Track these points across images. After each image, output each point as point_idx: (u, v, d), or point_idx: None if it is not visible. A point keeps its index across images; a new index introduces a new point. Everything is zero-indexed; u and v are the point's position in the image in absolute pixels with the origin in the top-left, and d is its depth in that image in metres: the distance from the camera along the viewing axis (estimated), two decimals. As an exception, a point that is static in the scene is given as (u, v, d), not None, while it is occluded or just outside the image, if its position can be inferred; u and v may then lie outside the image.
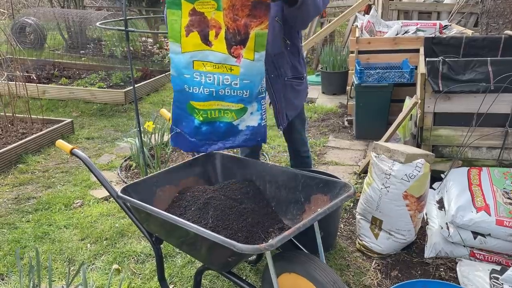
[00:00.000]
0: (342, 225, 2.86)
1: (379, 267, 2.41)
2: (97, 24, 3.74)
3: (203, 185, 2.22)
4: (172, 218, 1.64)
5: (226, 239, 1.45)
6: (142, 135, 3.64)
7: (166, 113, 2.57)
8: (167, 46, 8.81)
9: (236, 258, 1.62)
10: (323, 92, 5.93)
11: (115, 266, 2.08)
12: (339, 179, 2.10)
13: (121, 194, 1.89)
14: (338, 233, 2.74)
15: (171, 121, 2.20)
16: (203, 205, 1.98)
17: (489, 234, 2.37)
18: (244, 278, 2.29)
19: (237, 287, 2.04)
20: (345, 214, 2.97)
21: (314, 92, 5.99)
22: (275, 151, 4.08)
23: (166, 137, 3.77)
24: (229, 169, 2.29)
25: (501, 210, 2.39)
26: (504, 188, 2.53)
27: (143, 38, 9.44)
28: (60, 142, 2.16)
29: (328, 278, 1.64)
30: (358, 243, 2.60)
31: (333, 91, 5.80)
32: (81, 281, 1.65)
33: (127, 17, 3.03)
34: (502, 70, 2.70)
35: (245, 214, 1.93)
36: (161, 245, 2.03)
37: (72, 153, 2.08)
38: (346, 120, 4.79)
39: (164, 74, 6.51)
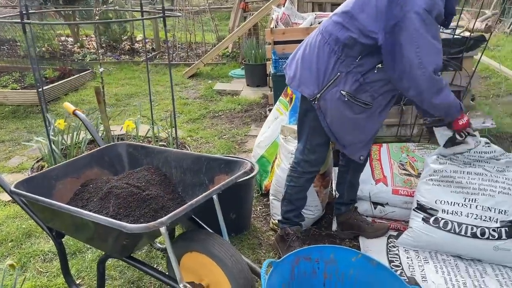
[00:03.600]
0: (259, 208, 2.94)
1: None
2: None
3: (108, 176, 2.19)
4: (60, 205, 1.61)
5: (114, 220, 1.46)
6: (57, 134, 3.51)
7: (70, 106, 2.50)
8: (88, 44, 8.50)
9: (131, 241, 1.62)
10: (247, 85, 6.03)
11: (8, 262, 1.99)
12: (244, 158, 2.17)
13: (14, 189, 1.82)
14: (254, 215, 2.82)
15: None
16: (105, 194, 1.95)
17: (387, 203, 2.57)
18: (155, 266, 2.30)
19: (146, 275, 2.05)
20: (264, 197, 3.06)
21: (239, 85, 6.08)
22: (197, 143, 4.09)
23: (83, 135, 3.65)
24: (135, 158, 2.27)
25: (397, 181, 2.59)
26: (400, 161, 2.74)
27: (63, 38, 9.02)
28: None
29: (227, 252, 1.70)
30: (272, 222, 2.70)
31: (257, 83, 5.91)
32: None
33: (30, 12, 2.90)
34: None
35: (148, 200, 1.93)
36: (74, 243, 1.96)
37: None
38: (268, 110, 4.91)
39: (84, 73, 6.27)
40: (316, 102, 2.06)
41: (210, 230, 1.92)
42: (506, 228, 2.15)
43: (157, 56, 8.11)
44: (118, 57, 7.96)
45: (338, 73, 1.99)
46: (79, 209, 1.57)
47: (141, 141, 3.77)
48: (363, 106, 2.03)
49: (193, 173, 2.10)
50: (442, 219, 2.24)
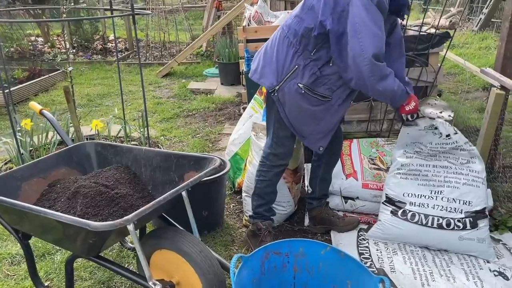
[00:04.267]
0: (232, 205, 2.95)
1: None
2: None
3: (76, 176, 2.15)
4: (23, 205, 1.58)
5: (78, 219, 1.44)
6: (24, 135, 3.43)
7: (36, 106, 2.44)
8: (59, 44, 8.32)
9: (98, 240, 1.60)
10: (221, 83, 6.02)
11: None
12: (213, 155, 2.17)
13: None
14: (227, 212, 2.83)
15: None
16: (73, 194, 1.92)
17: (358, 197, 2.61)
18: (126, 265, 2.28)
19: (117, 275, 2.02)
20: (237, 195, 3.06)
21: (213, 83, 6.06)
22: (171, 142, 4.06)
23: (51, 136, 3.58)
24: (104, 157, 2.25)
25: (366, 175, 2.63)
26: (370, 155, 2.79)
27: (33, 38, 8.80)
28: None
29: (196, 249, 1.70)
30: (244, 219, 2.70)
31: (231, 81, 5.91)
32: None
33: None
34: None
35: (117, 199, 1.91)
36: (43, 244, 1.92)
37: None
38: (242, 108, 4.91)
39: (54, 73, 6.13)
40: (275, 94, 2.11)
41: (180, 227, 1.92)
42: (471, 219, 2.21)
43: (130, 56, 8.01)
44: (90, 57, 7.82)
45: (296, 66, 2.03)
46: (42, 209, 1.55)
47: (113, 141, 3.71)
48: (321, 99, 2.06)
49: (163, 171, 2.09)
50: (410, 211, 2.30)
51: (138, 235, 2.04)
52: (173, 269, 1.79)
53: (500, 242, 2.37)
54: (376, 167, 2.70)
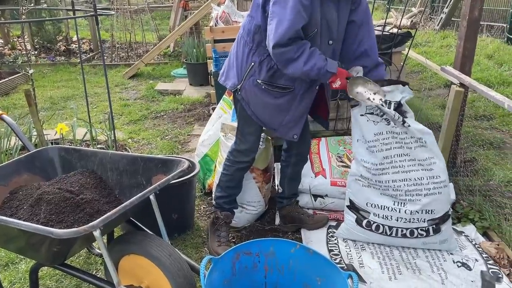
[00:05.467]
0: (203, 207, 2.93)
1: (234, 240, 2.52)
2: None
3: (39, 182, 2.09)
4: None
5: (41, 227, 1.40)
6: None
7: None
8: (19, 45, 8.03)
9: (63, 247, 1.56)
10: (190, 84, 5.97)
11: None
12: (181, 157, 2.15)
13: None
14: (198, 214, 2.81)
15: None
16: (36, 201, 1.86)
17: (327, 195, 2.65)
18: (94, 272, 2.23)
19: (84, 282, 1.98)
20: (208, 196, 3.05)
21: (182, 84, 6.01)
22: (139, 145, 4.00)
23: (14, 141, 3.45)
24: (69, 162, 2.19)
25: (335, 173, 2.67)
26: (338, 153, 2.84)
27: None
28: None
29: (164, 252, 1.68)
30: (215, 220, 2.69)
31: (200, 82, 5.87)
32: None
33: None
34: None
35: (83, 205, 1.86)
36: (6, 253, 1.85)
37: None
38: (212, 109, 4.89)
39: (14, 76, 5.92)
40: (239, 92, 2.16)
41: (149, 231, 1.89)
42: (434, 226, 2.23)
43: (95, 57, 7.82)
44: (53, 58, 7.59)
45: (252, 63, 2.09)
46: (3, 217, 1.49)
47: (78, 145, 3.62)
48: (282, 91, 2.11)
49: (130, 174, 2.06)
50: (374, 222, 2.30)
51: (105, 240, 2.01)
52: (142, 274, 1.76)
53: (463, 234, 2.46)
54: (344, 164, 2.75)
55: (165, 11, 10.74)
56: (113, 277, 1.58)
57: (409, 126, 2.13)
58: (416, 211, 2.20)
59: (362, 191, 2.30)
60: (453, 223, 2.55)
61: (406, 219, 2.24)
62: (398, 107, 2.13)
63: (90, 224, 1.42)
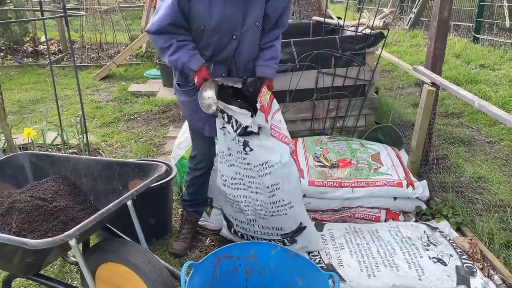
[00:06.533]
0: (180, 210, 2.88)
1: (213, 243, 2.51)
2: None
3: (9, 190, 2.01)
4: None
5: (14, 237, 1.34)
6: None
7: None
8: (-16, 47, 7.73)
9: (37, 258, 1.50)
10: (164, 85, 5.89)
11: None
12: (158, 161, 2.12)
13: None
14: (176, 218, 2.77)
15: None
16: (6, 210, 1.79)
17: (305, 195, 2.65)
18: (69, 281, 2.16)
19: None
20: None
21: (155, 85, 5.93)
22: (112, 148, 3.92)
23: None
24: (40, 168, 2.12)
25: (312, 172, 2.69)
26: (315, 153, 2.86)
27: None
28: None
29: (142, 258, 1.64)
30: (193, 223, 2.67)
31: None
32: None
33: None
34: (304, 50, 3.02)
35: (56, 213, 1.80)
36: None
37: None
38: (186, 110, 4.84)
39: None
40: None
41: (126, 238, 1.85)
42: (287, 238, 2.28)
43: (65, 58, 7.63)
44: (20, 60, 7.35)
45: (173, 67, 2.19)
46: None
47: (49, 149, 3.51)
48: (192, 87, 2.14)
49: (105, 180, 2.01)
50: (239, 231, 2.40)
51: (81, 249, 1.95)
52: (121, 282, 1.72)
53: (437, 230, 2.52)
54: (321, 164, 2.77)
55: (136, 10, 10.58)
56: (90, 286, 1.54)
57: (251, 150, 2.06)
58: (267, 226, 2.28)
59: (225, 204, 2.38)
60: (428, 220, 2.61)
61: (261, 232, 2.33)
62: (249, 132, 2.03)
63: (66, 233, 1.37)
